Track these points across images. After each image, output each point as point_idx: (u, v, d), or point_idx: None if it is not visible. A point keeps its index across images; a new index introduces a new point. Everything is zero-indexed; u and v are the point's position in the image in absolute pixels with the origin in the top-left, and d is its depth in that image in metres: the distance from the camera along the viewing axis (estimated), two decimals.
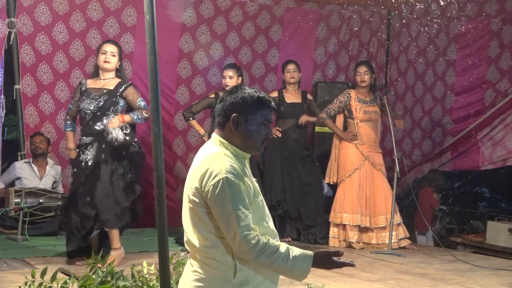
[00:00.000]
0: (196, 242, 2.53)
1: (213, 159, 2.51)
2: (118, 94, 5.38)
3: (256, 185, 2.60)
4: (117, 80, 5.46)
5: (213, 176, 2.45)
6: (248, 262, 2.48)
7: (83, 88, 5.47)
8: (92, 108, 5.33)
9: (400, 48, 8.67)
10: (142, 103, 5.42)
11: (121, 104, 5.39)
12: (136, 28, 7.30)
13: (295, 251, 2.52)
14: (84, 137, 5.42)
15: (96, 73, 5.51)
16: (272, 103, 2.64)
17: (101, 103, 5.34)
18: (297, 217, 7.03)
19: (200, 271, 2.53)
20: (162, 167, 2.66)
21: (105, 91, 5.37)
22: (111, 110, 5.34)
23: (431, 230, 7.59)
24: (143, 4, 2.60)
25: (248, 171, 2.61)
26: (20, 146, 7.14)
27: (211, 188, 2.44)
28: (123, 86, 5.43)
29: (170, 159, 7.58)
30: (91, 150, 5.30)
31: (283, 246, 2.49)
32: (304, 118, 7.05)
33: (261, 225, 2.54)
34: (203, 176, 2.48)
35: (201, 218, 2.51)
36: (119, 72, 5.52)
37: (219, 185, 2.43)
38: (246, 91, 2.60)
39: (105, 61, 5.38)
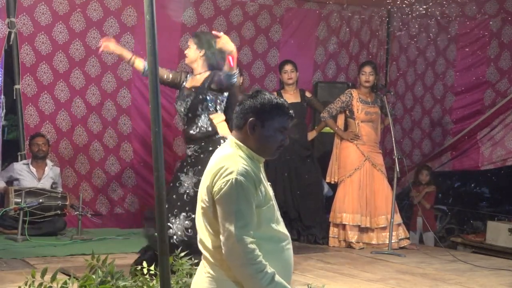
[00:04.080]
0: (208, 242, 2.54)
1: (227, 159, 2.53)
2: (205, 88, 4.77)
3: (270, 189, 2.61)
4: (207, 74, 4.84)
5: (224, 175, 2.46)
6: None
7: (182, 85, 4.97)
8: (182, 109, 4.87)
9: (400, 48, 8.67)
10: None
11: (209, 99, 4.75)
12: (136, 28, 7.30)
13: (279, 278, 2.47)
14: (188, 147, 4.89)
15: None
16: (291, 111, 2.67)
17: (189, 103, 4.82)
18: (297, 218, 7.03)
19: (212, 272, 2.53)
20: (162, 167, 2.66)
21: (193, 89, 4.84)
22: (200, 109, 4.79)
23: (428, 228, 7.58)
24: (143, 4, 2.60)
25: (262, 174, 2.61)
26: (20, 146, 7.14)
27: (220, 186, 2.46)
28: (211, 77, 4.78)
29: (170, 159, 7.58)
30: (189, 174, 4.74)
31: (270, 267, 2.45)
32: (312, 135, 7.32)
33: (269, 227, 2.53)
34: (215, 174, 2.49)
35: (211, 218, 2.52)
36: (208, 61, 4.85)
37: (228, 185, 2.45)
38: (265, 96, 2.63)
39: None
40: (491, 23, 8.31)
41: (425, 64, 8.73)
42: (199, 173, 4.57)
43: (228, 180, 2.45)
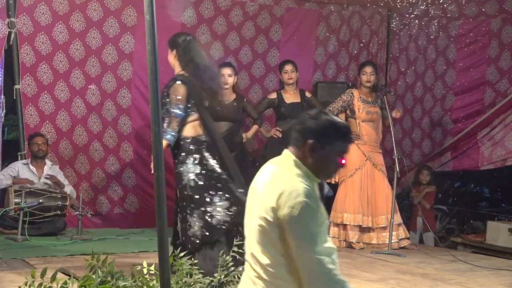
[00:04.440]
0: (263, 259, 2.52)
1: (289, 180, 2.51)
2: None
3: (323, 206, 2.59)
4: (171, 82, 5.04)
5: (292, 197, 2.45)
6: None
7: None
8: None
9: (400, 48, 8.67)
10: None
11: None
12: (136, 28, 7.29)
13: None
14: None
15: None
16: (351, 135, 2.65)
17: None
18: None
19: None
20: (162, 167, 2.66)
21: None
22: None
23: (430, 228, 7.58)
24: (143, 4, 2.60)
25: (318, 192, 2.60)
26: (20, 146, 7.14)
27: (289, 210, 2.44)
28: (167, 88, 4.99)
29: (170, 159, 7.56)
30: None
31: (347, 281, 2.53)
32: None
33: (326, 243, 2.52)
34: (279, 196, 2.47)
35: (272, 237, 2.50)
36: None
37: (298, 208, 2.43)
38: (329, 119, 2.60)
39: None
40: (491, 23, 8.31)
41: (425, 64, 8.73)
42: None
43: (297, 204, 2.43)
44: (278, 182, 2.52)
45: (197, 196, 4.71)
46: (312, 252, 2.42)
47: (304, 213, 2.43)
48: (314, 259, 2.42)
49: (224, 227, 4.64)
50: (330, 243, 2.55)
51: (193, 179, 4.75)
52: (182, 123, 4.87)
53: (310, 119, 2.61)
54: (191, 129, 4.89)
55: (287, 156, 2.63)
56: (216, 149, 4.88)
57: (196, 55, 4.98)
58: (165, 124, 4.84)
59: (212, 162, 4.82)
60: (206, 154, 4.85)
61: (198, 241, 4.64)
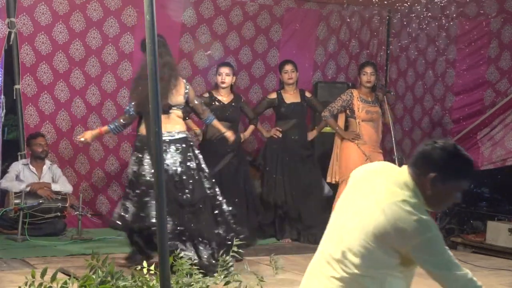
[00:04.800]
0: (356, 268, 2.50)
1: (413, 212, 2.46)
2: None
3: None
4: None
5: (423, 232, 2.45)
6: None
7: None
8: None
9: (400, 48, 8.67)
10: None
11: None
12: (136, 28, 7.30)
13: None
14: None
15: None
16: (473, 170, 2.61)
17: None
18: (297, 218, 7.03)
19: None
20: (162, 167, 2.66)
21: None
22: None
23: None
24: (143, 4, 2.60)
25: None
26: (20, 146, 7.13)
27: (421, 244, 2.46)
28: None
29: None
30: None
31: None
32: (312, 135, 7.28)
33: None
34: (408, 225, 2.44)
35: (378, 254, 2.49)
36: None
37: (431, 242, 2.47)
38: (460, 155, 2.54)
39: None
40: (491, 23, 8.31)
41: (425, 64, 8.72)
42: None
43: (429, 238, 2.45)
44: (404, 214, 2.46)
45: (128, 190, 5.30)
46: (455, 275, 2.56)
47: (437, 245, 2.49)
48: (460, 280, 2.59)
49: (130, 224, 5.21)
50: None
51: (130, 173, 5.29)
52: (139, 120, 5.32)
53: (437, 150, 2.54)
54: (143, 127, 5.24)
55: (407, 180, 2.57)
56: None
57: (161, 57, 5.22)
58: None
59: (146, 166, 5.14)
60: (146, 155, 5.15)
61: (120, 224, 5.28)
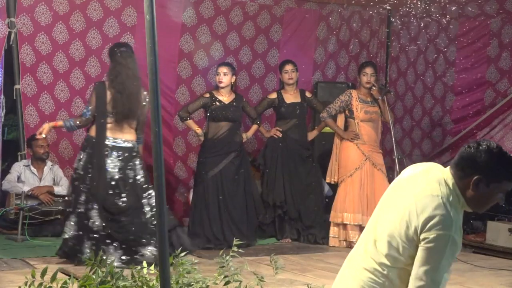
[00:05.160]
0: (385, 259, 2.54)
1: (443, 207, 2.48)
2: None
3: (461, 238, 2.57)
4: None
5: (441, 228, 2.44)
6: None
7: None
8: None
9: (400, 48, 8.67)
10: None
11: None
12: (136, 28, 7.29)
13: None
14: None
15: None
16: None
17: None
18: (297, 218, 7.03)
19: (368, 282, 2.55)
20: (162, 167, 2.65)
21: None
22: None
23: None
24: (143, 4, 2.60)
25: (461, 220, 2.58)
26: (20, 146, 7.13)
27: (434, 238, 2.44)
28: None
29: (170, 159, 7.58)
30: None
31: None
32: (312, 135, 7.29)
33: (444, 276, 2.53)
34: (429, 219, 2.45)
35: (405, 246, 2.51)
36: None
37: (443, 240, 2.44)
38: (505, 157, 2.55)
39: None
40: (491, 23, 8.32)
41: (425, 64, 8.73)
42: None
43: (444, 235, 2.44)
44: (432, 207, 2.47)
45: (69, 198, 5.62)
46: (432, 282, 2.45)
47: (447, 247, 2.45)
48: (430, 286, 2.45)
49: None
50: (448, 276, 2.57)
51: (75, 169, 5.55)
52: (93, 122, 5.54)
53: (481, 152, 2.53)
54: (93, 129, 5.53)
55: (448, 180, 2.57)
56: (96, 157, 5.42)
57: (121, 67, 5.55)
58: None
59: (81, 164, 5.44)
60: (85, 154, 5.47)
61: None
